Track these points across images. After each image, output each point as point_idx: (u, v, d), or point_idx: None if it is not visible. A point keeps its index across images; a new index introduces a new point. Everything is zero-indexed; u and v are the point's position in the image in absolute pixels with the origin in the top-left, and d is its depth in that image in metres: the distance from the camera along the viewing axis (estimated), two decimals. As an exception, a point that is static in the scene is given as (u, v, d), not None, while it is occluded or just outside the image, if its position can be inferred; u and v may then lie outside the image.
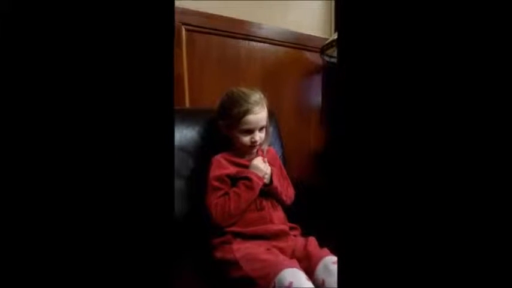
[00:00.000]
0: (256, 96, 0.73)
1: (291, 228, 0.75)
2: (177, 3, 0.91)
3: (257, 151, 0.79)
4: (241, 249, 0.63)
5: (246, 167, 0.74)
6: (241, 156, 0.77)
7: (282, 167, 0.86)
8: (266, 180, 0.74)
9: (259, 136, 0.74)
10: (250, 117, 0.71)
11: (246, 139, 0.73)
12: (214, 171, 0.73)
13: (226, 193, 0.71)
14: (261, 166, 0.73)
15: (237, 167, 0.75)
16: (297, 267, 0.55)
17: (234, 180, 0.73)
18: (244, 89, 0.75)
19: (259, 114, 0.72)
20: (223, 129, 0.76)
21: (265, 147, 0.82)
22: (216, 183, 0.71)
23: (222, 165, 0.74)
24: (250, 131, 0.73)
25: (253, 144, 0.74)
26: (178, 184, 0.76)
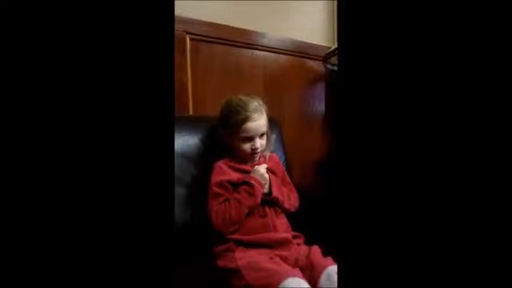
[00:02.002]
0: (255, 103, 0.74)
1: (295, 237, 0.74)
2: (180, 13, 0.92)
3: (259, 158, 0.79)
4: (243, 258, 0.63)
5: (248, 172, 0.74)
6: (244, 162, 0.77)
7: (285, 173, 0.86)
8: (266, 190, 0.73)
9: (259, 143, 0.74)
10: (249, 125, 0.71)
11: (247, 146, 0.73)
12: (216, 177, 0.73)
13: (227, 199, 0.71)
14: (265, 174, 0.73)
15: (239, 173, 0.75)
16: (299, 276, 0.54)
17: (235, 186, 0.72)
18: (242, 97, 0.75)
19: (258, 121, 0.72)
20: (225, 138, 0.76)
21: (267, 154, 0.81)
22: (217, 189, 0.71)
23: (223, 171, 0.74)
24: (250, 139, 0.73)
25: (254, 151, 0.74)
26: (180, 191, 0.76)
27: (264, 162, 0.80)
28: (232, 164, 0.76)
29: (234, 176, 0.73)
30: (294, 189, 0.83)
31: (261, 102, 0.76)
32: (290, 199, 0.79)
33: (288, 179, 0.85)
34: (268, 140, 0.78)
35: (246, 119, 0.71)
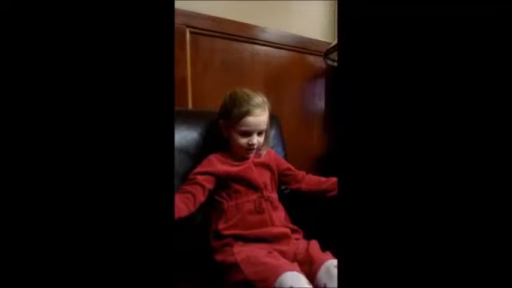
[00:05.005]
0: (259, 98, 0.73)
1: (293, 231, 0.74)
2: (180, 6, 0.91)
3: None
4: (242, 252, 0.63)
5: (236, 167, 0.74)
6: (235, 159, 0.77)
7: (283, 161, 0.86)
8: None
9: (257, 140, 0.73)
10: (250, 119, 0.71)
11: (244, 141, 0.73)
12: (200, 168, 0.72)
13: (201, 185, 0.68)
14: None
15: (227, 166, 0.74)
16: (297, 271, 0.55)
17: (219, 179, 0.72)
18: (247, 91, 0.74)
19: (259, 117, 0.72)
20: (223, 129, 0.76)
21: (263, 152, 0.81)
22: (192, 176, 0.70)
23: (211, 163, 0.73)
24: (248, 133, 0.72)
25: (250, 147, 0.73)
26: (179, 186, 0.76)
27: (260, 158, 0.79)
28: (223, 159, 0.75)
29: (220, 168, 0.72)
30: (297, 172, 0.85)
31: (265, 99, 0.75)
32: (298, 181, 0.82)
33: (287, 165, 0.85)
34: (266, 137, 0.78)
35: (247, 113, 0.70)
